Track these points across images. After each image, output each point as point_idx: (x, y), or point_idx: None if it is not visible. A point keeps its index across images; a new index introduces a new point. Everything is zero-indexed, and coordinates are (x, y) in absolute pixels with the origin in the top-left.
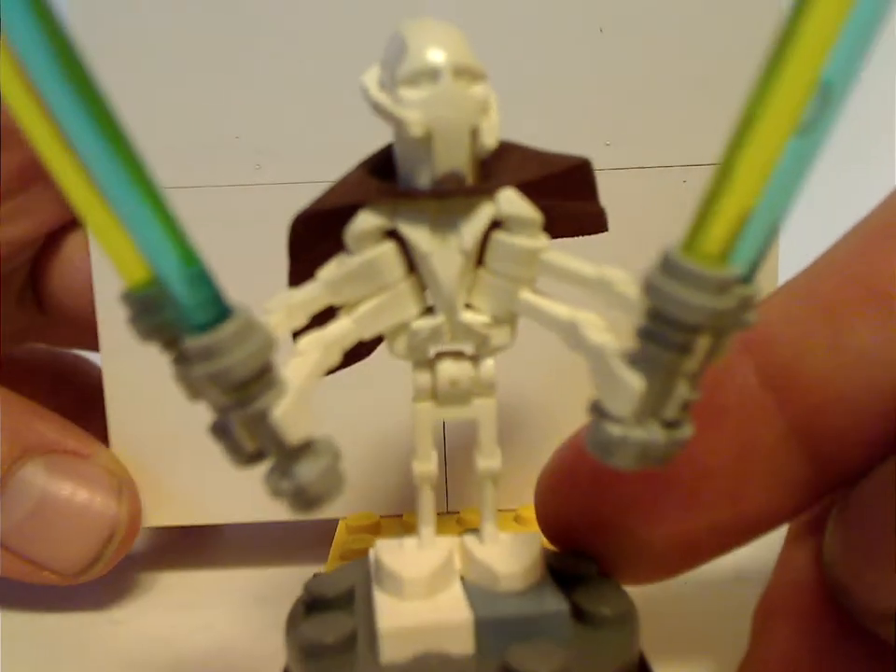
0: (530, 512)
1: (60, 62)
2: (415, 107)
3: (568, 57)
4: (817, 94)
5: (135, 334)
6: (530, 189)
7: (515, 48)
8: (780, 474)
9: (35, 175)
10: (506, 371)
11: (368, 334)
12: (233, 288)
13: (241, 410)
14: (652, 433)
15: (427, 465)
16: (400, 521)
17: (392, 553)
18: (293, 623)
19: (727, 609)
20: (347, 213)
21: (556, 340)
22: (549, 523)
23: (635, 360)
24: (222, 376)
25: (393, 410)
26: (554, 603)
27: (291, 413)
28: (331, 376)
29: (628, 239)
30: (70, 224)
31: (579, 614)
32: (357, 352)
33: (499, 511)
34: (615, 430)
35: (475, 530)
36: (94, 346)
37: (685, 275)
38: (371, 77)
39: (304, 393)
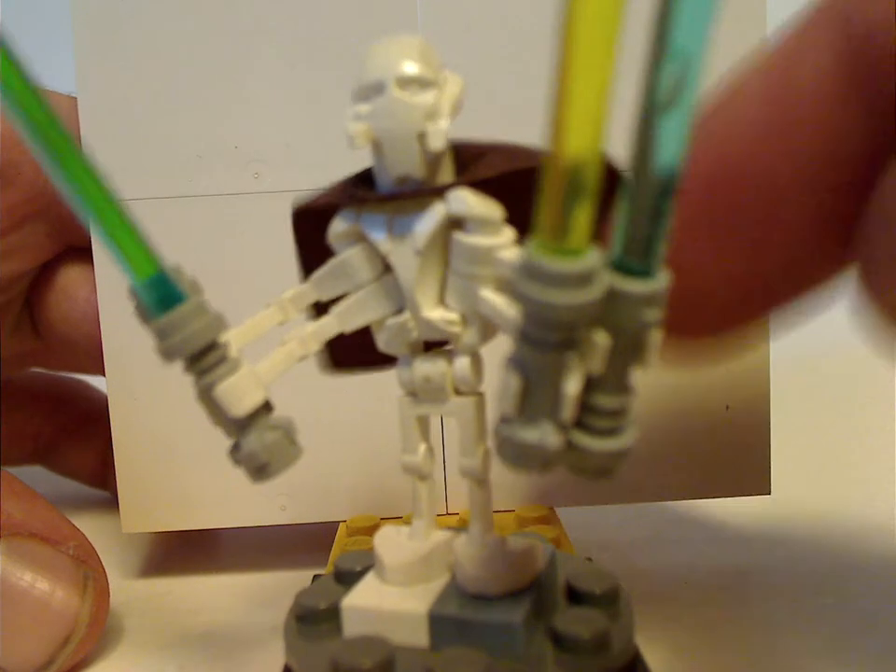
0: (530, 513)
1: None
2: (363, 120)
3: None
4: (671, 67)
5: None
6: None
7: (510, 52)
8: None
9: (28, 212)
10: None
11: (348, 328)
12: (235, 291)
13: (196, 384)
14: (544, 434)
15: (413, 457)
16: (401, 523)
17: (387, 538)
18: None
19: (727, 609)
20: (333, 213)
21: None
22: None
23: (512, 360)
24: (174, 350)
25: (394, 412)
26: (507, 615)
27: (233, 389)
28: (333, 380)
29: None
30: (64, 255)
31: (555, 637)
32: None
33: (500, 511)
34: (500, 429)
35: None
36: (91, 370)
37: (530, 270)
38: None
39: (255, 375)
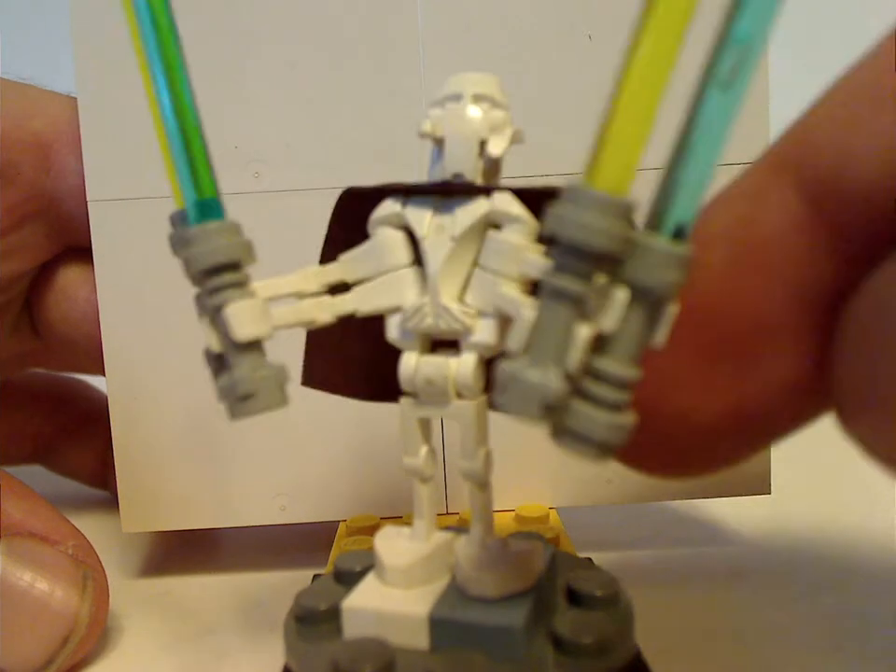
0: (529, 512)
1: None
2: (436, 119)
3: (558, 64)
4: (733, 51)
5: None
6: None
7: (506, 56)
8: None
9: (28, 212)
10: None
11: (364, 308)
12: None
13: (207, 300)
14: (547, 375)
15: (414, 459)
16: (401, 523)
17: (388, 539)
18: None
19: (726, 609)
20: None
21: None
22: None
23: (536, 296)
24: (199, 258)
25: (394, 412)
26: (508, 618)
27: (242, 312)
28: None
29: None
30: (64, 255)
31: (556, 640)
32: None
33: (500, 511)
34: (503, 366)
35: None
36: (91, 370)
37: (568, 195)
38: None
39: (266, 310)
